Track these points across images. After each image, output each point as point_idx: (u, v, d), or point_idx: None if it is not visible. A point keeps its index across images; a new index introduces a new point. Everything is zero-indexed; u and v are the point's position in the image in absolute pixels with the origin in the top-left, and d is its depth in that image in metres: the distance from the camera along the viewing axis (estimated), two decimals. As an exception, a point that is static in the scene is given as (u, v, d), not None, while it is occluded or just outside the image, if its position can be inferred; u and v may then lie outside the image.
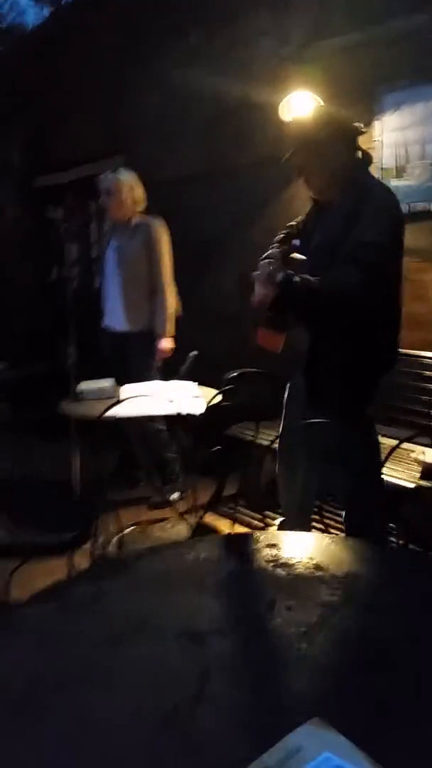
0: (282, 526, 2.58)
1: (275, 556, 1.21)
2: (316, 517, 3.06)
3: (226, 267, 4.24)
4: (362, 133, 2.09)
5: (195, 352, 3.07)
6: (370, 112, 3.28)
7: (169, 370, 3.46)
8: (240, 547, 1.27)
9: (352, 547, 1.27)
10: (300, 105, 3.35)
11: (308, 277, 1.84)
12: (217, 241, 4.27)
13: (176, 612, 1.05)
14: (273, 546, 1.25)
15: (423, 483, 2.53)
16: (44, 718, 0.84)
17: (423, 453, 2.59)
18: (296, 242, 2.23)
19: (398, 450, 2.92)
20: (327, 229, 2.02)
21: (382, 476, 2.19)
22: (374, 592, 1.09)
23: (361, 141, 2.14)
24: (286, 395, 2.43)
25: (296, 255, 2.02)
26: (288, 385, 2.42)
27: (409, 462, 2.68)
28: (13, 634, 1.05)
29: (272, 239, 3.76)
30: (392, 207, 1.96)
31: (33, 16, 6.45)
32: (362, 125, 2.12)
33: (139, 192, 3.42)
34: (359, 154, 2.05)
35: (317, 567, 1.16)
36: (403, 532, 2.17)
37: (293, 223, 2.37)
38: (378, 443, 2.18)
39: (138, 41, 4.65)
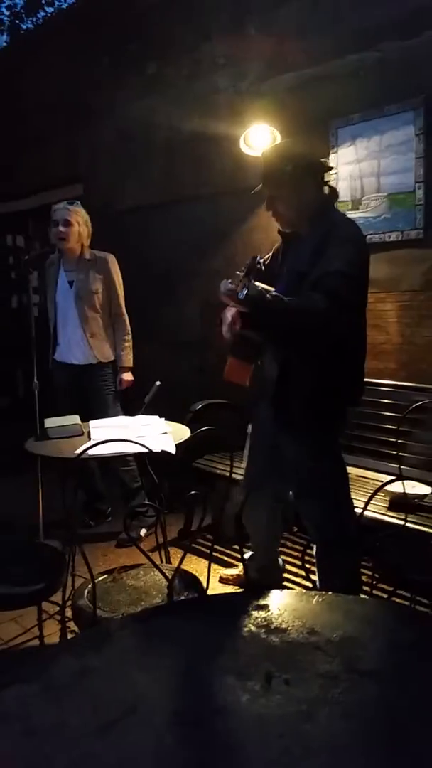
0: (251, 560, 2.56)
1: (266, 619, 1.18)
2: (286, 550, 3.06)
3: (187, 295, 4.23)
4: (329, 168, 2.14)
5: (158, 382, 3.04)
6: (326, 145, 3.34)
7: (130, 400, 3.43)
8: (228, 610, 1.23)
9: (342, 605, 1.24)
10: (258, 138, 3.39)
11: (279, 294, 1.85)
12: (177, 270, 4.26)
13: (167, 692, 1.00)
14: (263, 608, 1.21)
15: (392, 514, 2.55)
16: None
17: (390, 484, 2.60)
18: (258, 257, 2.25)
19: (365, 480, 2.96)
20: (294, 259, 2.06)
21: (354, 508, 2.18)
22: (372, 656, 1.06)
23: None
24: (250, 427, 2.42)
25: (262, 285, 2.02)
26: (253, 416, 2.40)
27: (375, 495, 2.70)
28: (-3, 722, 0.98)
29: (233, 268, 3.80)
30: (357, 239, 2.01)
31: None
32: (328, 161, 2.17)
33: (90, 227, 3.44)
34: (326, 189, 2.10)
35: (311, 631, 1.13)
36: (378, 567, 2.17)
37: (257, 258, 2.38)
38: (347, 474, 2.18)
39: (96, 70, 4.64)
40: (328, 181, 2.14)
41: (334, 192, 2.15)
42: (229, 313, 2.04)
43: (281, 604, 1.24)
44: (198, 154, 4.04)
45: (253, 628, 1.16)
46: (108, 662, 1.09)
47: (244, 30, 3.72)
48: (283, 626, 1.16)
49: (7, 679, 1.06)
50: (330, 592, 1.26)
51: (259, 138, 3.40)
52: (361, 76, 3.21)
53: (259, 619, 1.18)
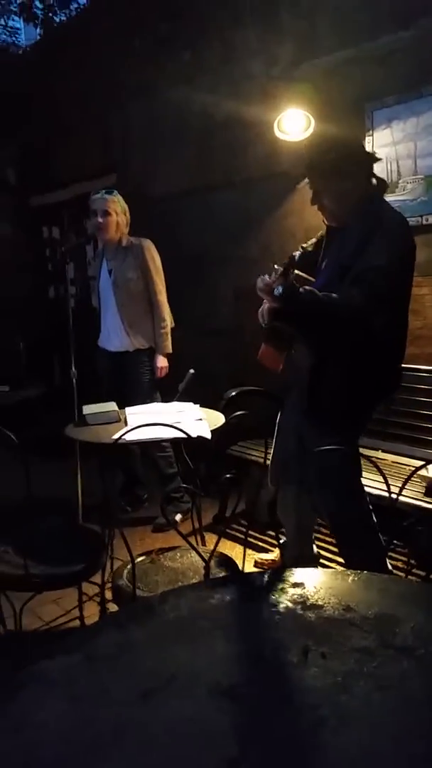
0: (284, 547, 2.57)
1: (302, 596, 1.20)
2: (319, 535, 3.07)
3: (220, 282, 4.25)
4: (377, 160, 2.09)
5: (192, 371, 3.07)
6: (361, 128, 3.30)
7: (166, 388, 3.47)
8: (265, 587, 1.25)
9: (377, 584, 1.25)
10: (292, 123, 3.37)
11: (313, 289, 1.85)
12: (211, 257, 4.28)
13: (206, 664, 1.03)
14: (298, 585, 1.23)
15: (428, 500, 2.54)
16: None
17: (427, 469, 2.59)
18: (296, 254, 2.25)
19: (401, 466, 2.94)
20: (338, 251, 2.03)
21: (366, 496, 2.18)
22: (407, 633, 1.07)
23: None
24: (279, 414, 2.43)
25: (301, 273, 2.03)
26: (284, 403, 2.41)
27: (414, 479, 2.68)
28: (40, 689, 1.02)
29: (266, 254, 3.79)
30: (403, 234, 1.97)
31: (26, 36, 6.44)
32: (377, 153, 2.13)
33: (128, 214, 3.46)
34: (374, 181, 2.06)
35: (347, 608, 1.14)
36: (411, 553, 2.16)
37: (295, 256, 2.38)
38: (360, 464, 2.18)
39: (130, 57, 4.65)
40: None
41: (382, 183, 2.10)
42: (266, 304, 2.06)
43: (317, 582, 1.26)
44: (231, 139, 4.03)
45: (289, 605, 1.18)
46: (149, 635, 1.13)
47: (278, 14, 3.69)
48: (319, 603, 1.17)
49: (52, 649, 1.11)
50: (365, 572, 1.27)
51: (293, 123, 3.38)
52: (397, 57, 3.15)
53: (296, 596, 1.20)
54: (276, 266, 1.91)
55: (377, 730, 0.88)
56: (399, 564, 2.56)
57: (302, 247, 2.37)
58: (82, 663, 1.07)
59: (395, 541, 2.38)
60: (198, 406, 2.71)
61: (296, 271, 1.99)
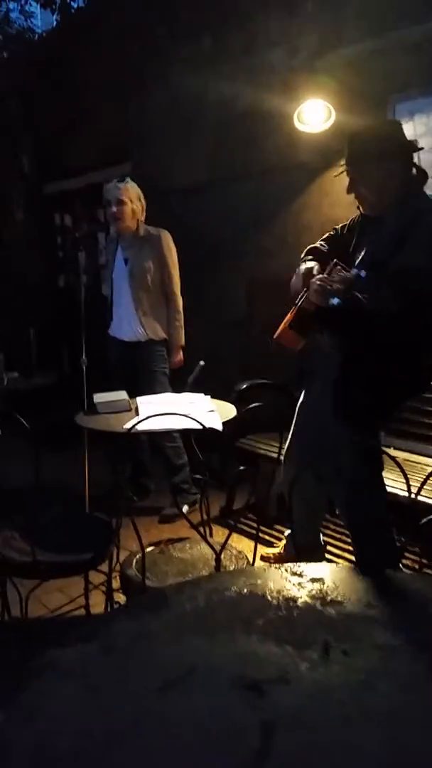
0: (290, 538, 2.55)
1: (321, 592, 1.17)
2: (327, 531, 3.05)
3: (233, 274, 4.21)
4: (419, 149, 2.04)
5: (202, 362, 3.05)
6: (383, 121, 3.25)
7: (176, 379, 3.45)
8: (282, 581, 1.23)
9: (398, 581, 1.23)
10: (313, 114, 3.32)
11: (357, 295, 1.80)
12: (225, 248, 4.24)
13: (226, 657, 1.01)
14: (317, 581, 1.21)
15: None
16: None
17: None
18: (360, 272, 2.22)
19: (413, 464, 2.91)
20: (374, 245, 1.99)
21: (385, 494, 2.15)
22: (430, 630, 1.05)
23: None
24: (299, 402, 2.39)
25: (342, 266, 1.99)
26: (303, 393, 2.38)
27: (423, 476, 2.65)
28: (54, 679, 1.00)
29: (282, 247, 3.76)
30: None
31: (42, 21, 6.39)
32: (419, 142, 2.08)
33: (144, 201, 3.41)
34: (414, 171, 2.01)
35: (368, 605, 1.12)
36: (424, 552, 2.14)
37: (336, 227, 2.34)
38: (382, 461, 2.15)
39: (147, 47, 4.61)
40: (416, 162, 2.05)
41: (422, 173, 2.05)
42: (302, 270, 2.02)
43: (336, 578, 1.23)
44: (249, 130, 3.99)
45: (308, 600, 1.15)
46: (165, 626, 1.10)
47: (302, 2, 3.63)
48: (339, 599, 1.15)
49: (67, 639, 1.08)
50: (384, 568, 1.25)
51: (313, 114, 3.33)
52: (421, 49, 3.10)
53: (314, 591, 1.18)
54: (337, 267, 1.86)
55: (402, 728, 0.85)
56: (409, 563, 2.53)
57: (335, 229, 2.32)
58: (97, 653, 1.04)
59: (408, 539, 2.35)
60: (209, 397, 2.69)
61: (338, 263, 1.96)
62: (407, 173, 1.99)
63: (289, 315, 2.14)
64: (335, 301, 1.76)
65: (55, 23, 6.04)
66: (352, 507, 2.15)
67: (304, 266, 2.13)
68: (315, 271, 1.96)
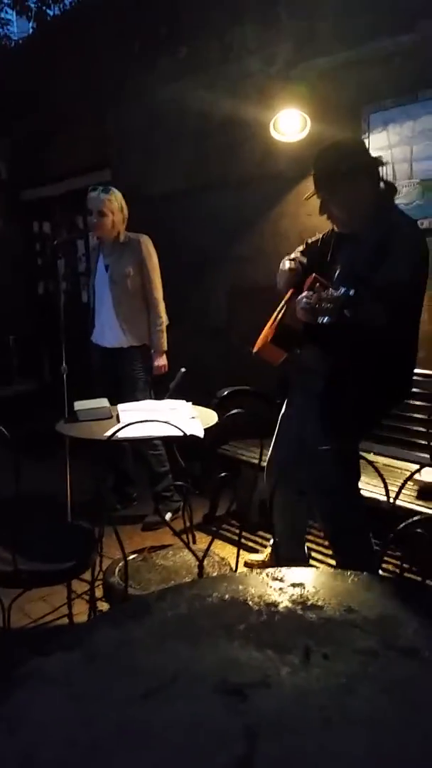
0: (276, 548, 2.56)
1: (302, 596, 1.19)
2: (311, 538, 3.07)
3: (214, 281, 4.24)
4: (383, 164, 2.08)
5: (183, 369, 3.06)
6: (357, 131, 3.30)
7: (158, 385, 3.45)
8: (263, 586, 1.24)
9: (378, 585, 1.25)
10: (288, 123, 3.36)
11: (346, 313, 1.82)
12: (205, 256, 4.27)
13: (208, 663, 1.02)
14: (298, 585, 1.22)
15: (420, 503, 2.54)
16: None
17: (420, 472, 2.59)
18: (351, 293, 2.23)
19: (392, 470, 2.95)
20: (351, 259, 2.02)
21: (362, 500, 2.18)
22: (410, 635, 1.07)
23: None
24: (281, 414, 2.41)
25: (322, 280, 2.01)
26: (285, 404, 2.40)
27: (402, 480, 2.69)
28: (38, 688, 1.00)
29: (260, 255, 3.79)
30: (419, 243, 1.96)
31: (18, 29, 6.39)
32: (382, 156, 2.11)
33: (126, 210, 3.43)
34: (382, 185, 2.05)
35: (348, 609, 1.13)
36: (405, 557, 2.16)
37: (308, 241, 2.36)
38: (359, 468, 2.18)
39: (125, 55, 4.63)
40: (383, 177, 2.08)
41: (391, 187, 2.09)
42: (286, 266, 2.03)
43: (317, 583, 1.25)
44: (227, 139, 4.02)
45: (289, 605, 1.17)
46: (148, 633, 1.11)
47: (277, 13, 3.68)
48: (320, 603, 1.17)
49: (50, 647, 1.08)
50: (365, 572, 1.27)
51: (289, 123, 3.37)
52: (394, 60, 3.16)
53: (295, 596, 1.19)
54: (320, 286, 1.87)
55: (383, 731, 0.87)
56: (390, 567, 2.56)
57: (307, 243, 2.36)
58: (80, 661, 1.05)
59: (388, 545, 2.38)
60: (191, 404, 2.70)
61: (318, 278, 1.98)
62: (375, 188, 2.03)
63: (268, 329, 2.16)
64: (325, 319, 1.78)
65: (31, 30, 6.05)
66: (331, 516, 2.17)
67: (287, 264, 2.14)
68: (298, 270, 1.97)
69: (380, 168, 2.05)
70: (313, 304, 1.78)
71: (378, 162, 2.06)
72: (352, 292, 1.80)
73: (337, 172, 1.97)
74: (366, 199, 2.00)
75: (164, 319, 3.48)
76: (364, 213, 2.00)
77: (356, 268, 1.95)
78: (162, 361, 3.50)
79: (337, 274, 2.07)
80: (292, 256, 2.30)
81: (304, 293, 1.92)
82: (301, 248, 2.37)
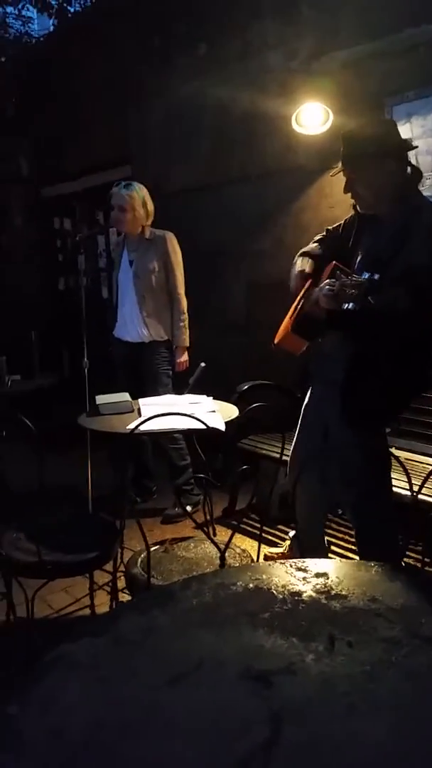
0: (296, 540, 2.57)
1: (326, 586, 1.19)
2: (330, 530, 3.07)
3: (235, 276, 4.24)
4: (413, 147, 2.07)
5: (203, 364, 3.07)
6: (380, 123, 3.28)
7: (178, 380, 3.47)
8: (287, 576, 1.25)
9: (401, 575, 1.25)
10: (311, 116, 3.35)
11: (369, 299, 1.81)
12: (225, 251, 4.27)
13: (233, 650, 1.03)
14: (321, 575, 1.23)
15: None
16: (115, 765, 0.82)
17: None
18: (316, 249, 2.22)
19: (414, 463, 2.94)
20: (373, 243, 2.01)
21: (392, 494, 2.17)
22: (433, 624, 1.07)
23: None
24: (304, 405, 2.41)
25: (343, 267, 2.00)
26: (308, 394, 2.39)
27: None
28: (66, 672, 1.02)
29: (281, 249, 3.78)
30: None
31: (39, 26, 6.42)
32: (413, 140, 2.09)
33: (151, 205, 3.44)
34: (409, 169, 2.04)
35: (372, 599, 1.14)
36: (427, 550, 2.16)
37: (329, 228, 2.36)
38: (390, 461, 2.17)
39: (146, 52, 4.64)
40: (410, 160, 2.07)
41: (417, 172, 2.07)
42: (296, 270, 2.03)
43: (340, 573, 1.26)
44: (247, 134, 4.02)
45: (313, 594, 1.17)
46: (173, 620, 1.13)
47: (298, 6, 3.66)
48: (343, 593, 1.17)
49: (77, 633, 1.10)
50: (388, 563, 1.27)
51: (311, 116, 3.36)
52: (417, 51, 3.13)
53: (319, 586, 1.20)
54: (342, 276, 1.86)
55: (407, 717, 0.88)
56: (410, 561, 2.56)
57: (327, 230, 2.35)
58: (108, 646, 1.07)
59: (412, 539, 2.38)
60: (211, 398, 2.71)
61: (338, 266, 1.97)
62: (403, 172, 2.02)
63: (287, 319, 2.15)
64: (350, 305, 1.77)
65: (52, 28, 6.09)
66: (359, 508, 2.16)
67: (297, 266, 2.14)
68: (308, 269, 1.96)
69: (409, 152, 2.03)
70: (337, 291, 1.77)
71: (407, 145, 2.04)
72: (377, 277, 1.78)
73: (367, 152, 1.96)
74: (392, 180, 1.98)
75: (186, 315, 3.51)
76: (389, 195, 1.98)
77: (379, 252, 1.93)
78: (183, 357, 3.53)
79: (359, 258, 2.06)
80: (307, 248, 2.29)
81: (327, 281, 1.91)
82: (318, 237, 2.36)
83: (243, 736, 0.85)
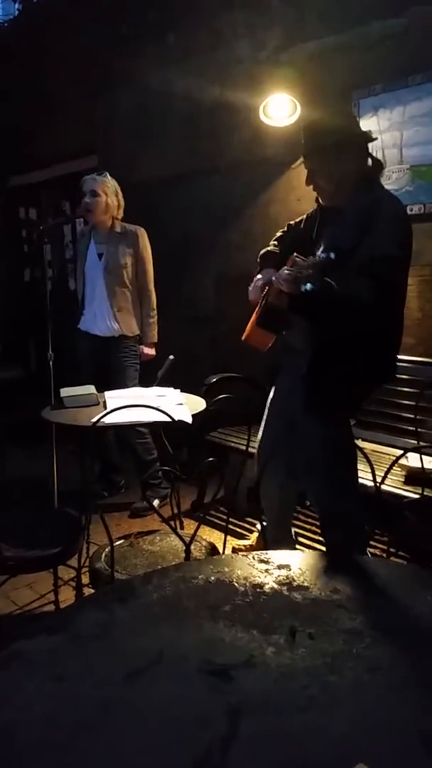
0: (264, 532, 2.56)
1: (288, 577, 1.18)
2: (298, 522, 3.08)
3: (203, 269, 4.21)
4: (373, 139, 2.07)
5: (172, 357, 3.05)
6: (347, 116, 3.28)
7: (146, 374, 3.44)
8: (250, 568, 1.24)
9: (364, 566, 1.25)
10: (278, 108, 3.34)
11: (330, 282, 1.80)
12: (193, 243, 4.24)
13: (193, 644, 1.01)
14: (284, 567, 1.22)
15: (407, 488, 2.55)
16: (67, 763, 0.80)
17: (407, 458, 2.60)
18: (332, 256, 2.19)
19: (381, 455, 2.96)
20: (335, 233, 2.00)
21: (358, 484, 2.18)
22: (394, 615, 1.07)
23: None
24: (269, 399, 2.40)
25: (302, 257, 1.99)
26: (274, 388, 2.39)
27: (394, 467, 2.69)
28: (21, 670, 0.99)
29: (249, 241, 3.77)
30: (403, 218, 1.95)
31: (3, 11, 6.26)
32: (380, 134, 2.09)
33: (121, 198, 3.41)
34: (370, 161, 2.04)
35: (333, 590, 1.13)
36: (392, 540, 2.17)
37: (291, 223, 2.35)
38: (356, 451, 2.17)
39: (113, 40, 4.57)
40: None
41: (378, 163, 2.08)
42: (260, 282, 2.02)
43: (303, 564, 1.25)
44: (216, 125, 3.98)
45: (275, 586, 1.16)
46: (132, 615, 1.10)
47: (264, -1, 3.64)
48: (305, 584, 1.16)
49: (33, 630, 1.07)
50: (351, 554, 1.26)
51: (278, 108, 3.35)
52: (385, 45, 3.14)
53: (281, 577, 1.19)
54: (297, 259, 1.85)
55: (367, 710, 0.87)
56: (377, 552, 2.58)
57: (289, 225, 2.34)
58: (64, 643, 1.04)
59: (377, 530, 2.39)
60: (179, 391, 2.68)
61: (297, 256, 1.96)
62: (363, 163, 2.03)
63: (254, 315, 2.13)
64: (308, 286, 1.75)
65: (16, 12, 5.95)
66: (323, 496, 2.17)
67: (260, 280, 2.13)
68: (274, 280, 1.95)
69: (369, 144, 2.04)
70: (295, 273, 1.76)
71: (367, 137, 2.05)
72: (332, 255, 1.78)
73: (327, 144, 1.96)
74: (352, 173, 1.99)
75: (156, 311, 3.51)
76: (349, 187, 1.99)
77: (339, 242, 1.93)
78: (150, 351, 3.53)
79: (321, 250, 2.05)
80: (266, 249, 2.28)
81: (285, 267, 1.90)
82: (279, 233, 2.35)
83: (201, 731, 0.83)
